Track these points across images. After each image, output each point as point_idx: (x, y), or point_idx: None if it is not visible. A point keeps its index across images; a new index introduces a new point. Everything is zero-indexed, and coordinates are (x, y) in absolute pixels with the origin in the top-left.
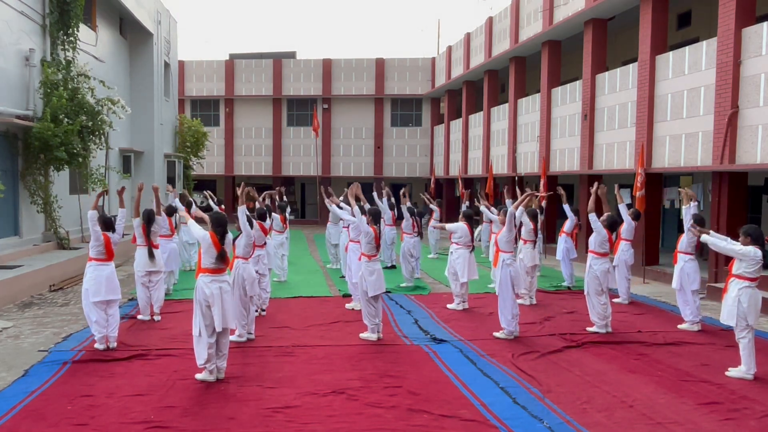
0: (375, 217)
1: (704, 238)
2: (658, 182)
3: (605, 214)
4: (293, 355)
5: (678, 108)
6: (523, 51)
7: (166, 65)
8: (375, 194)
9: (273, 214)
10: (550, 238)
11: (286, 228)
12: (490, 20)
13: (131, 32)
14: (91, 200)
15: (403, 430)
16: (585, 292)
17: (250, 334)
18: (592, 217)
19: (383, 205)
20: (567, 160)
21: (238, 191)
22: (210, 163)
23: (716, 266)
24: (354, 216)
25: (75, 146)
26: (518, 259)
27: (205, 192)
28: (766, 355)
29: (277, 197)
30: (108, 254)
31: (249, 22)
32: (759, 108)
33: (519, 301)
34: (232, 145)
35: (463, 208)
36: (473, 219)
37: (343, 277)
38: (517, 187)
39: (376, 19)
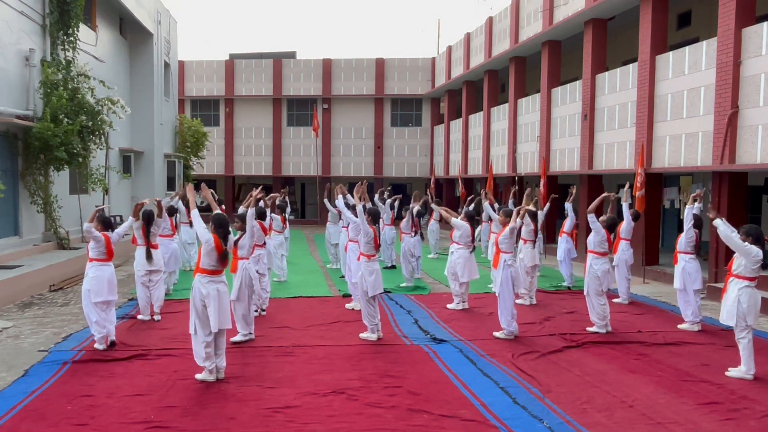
0: (374, 217)
1: (717, 222)
2: (658, 182)
3: (605, 215)
4: (293, 355)
5: (678, 108)
6: (523, 51)
7: (166, 65)
8: (377, 196)
9: (273, 214)
10: (550, 238)
11: (285, 228)
12: (490, 20)
13: (131, 32)
14: (91, 200)
15: (403, 430)
16: (585, 293)
17: (251, 333)
18: (591, 217)
19: (384, 206)
20: (567, 160)
21: (255, 192)
22: (210, 163)
23: (716, 266)
24: (356, 216)
25: (75, 146)
26: (518, 258)
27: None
28: (766, 355)
29: (278, 199)
30: (108, 254)
31: (249, 22)
32: (759, 108)
33: (519, 301)
34: (232, 145)
35: (466, 209)
36: (474, 219)
37: (343, 277)
38: (517, 187)
39: (376, 19)
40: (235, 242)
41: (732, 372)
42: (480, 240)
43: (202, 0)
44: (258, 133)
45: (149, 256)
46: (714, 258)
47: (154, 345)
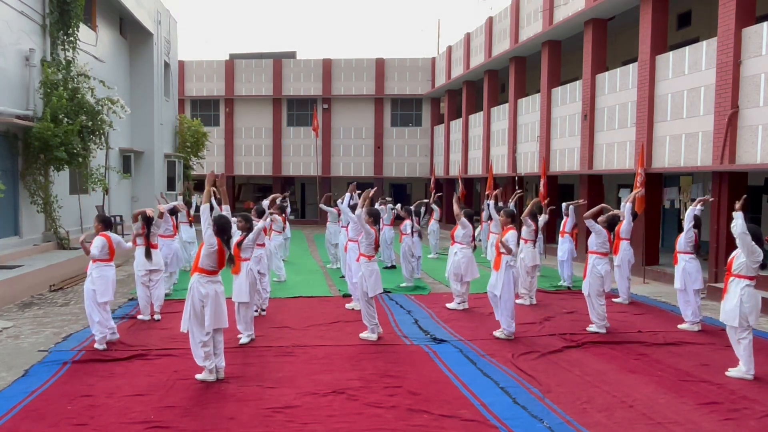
0: (375, 218)
1: (738, 215)
2: (658, 182)
3: (604, 215)
4: (293, 355)
5: (678, 108)
6: (523, 51)
7: (166, 65)
8: (377, 204)
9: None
10: (550, 238)
11: (286, 227)
12: (490, 20)
13: (131, 32)
14: (91, 200)
15: (403, 430)
16: (585, 293)
17: (252, 333)
18: (590, 222)
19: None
20: (567, 160)
21: (273, 200)
22: (210, 163)
23: (716, 266)
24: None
25: (75, 146)
26: (519, 258)
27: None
28: (766, 355)
29: (279, 199)
30: (111, 255)
31: (249, 22)
32: (759, 108)
33: (519, 301)
34: (232, 145)
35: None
36: (473, 219)
37: (343, 277)
38: (517, 187)
39: (376, 19)
40: (239, 244)
41: (732, 372)
42: (480, 240)
43: (202, 0)
44: (258, 133)
45: (149, 255)
46: (714, 258)
47: (154, 345)
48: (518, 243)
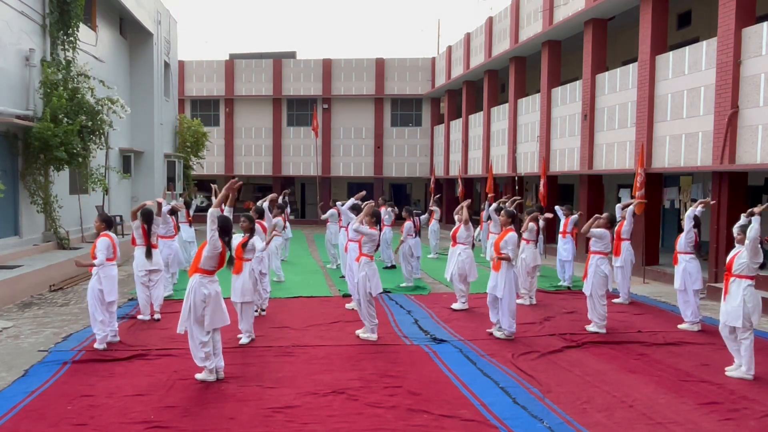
0: (376, 219)
1: (756, 219)
2: (658, 182)
3: (603, 216)
4: (293, 355)
5: (678, 108)
6: (523, 51)
7: (166, 65)
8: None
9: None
10: (550, 238)
11: (286, 227)
12: (490, 20)
13: (131, 32)
14: (91, 200)
15: (403, 430)
16: (588, 294)
17: (252, 333)
18: (591, 232)
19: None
20: (567, 160)
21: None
22: (210, 163)
23: (716, 266)
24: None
25: (75, 146)
26: (521, 259)
27: (213, 186)
28: (766, 355)
29: (280, 198)
30: (115, 254)
31: (249, 22)
32: (759, 108)
33: (519, 301)
34: (232, 145)
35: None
36: (472, 219)
37: (343, 277)
38: (516, 187)
39: (376, 19)
40: (243, 245)
41: (732, 372)
42: (479, 240)
43: (202, 0)
44: (258, 133)
45: (149, 255)
46: (714, 258)
47: (154, 345)
48: (518, 245)
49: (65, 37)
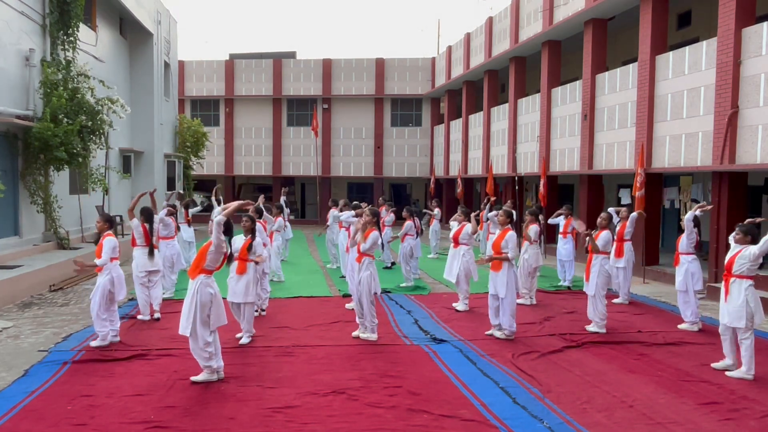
0: (377, 219)
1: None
2: (658, 182)
3: (602, 216)
4: (293, 355)
5: (678, 108)
6: (523, 51)
7: (166, 65)
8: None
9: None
10: (550, 238)
11: (286, 227)
12: (490, 20)
13: (131, 32)
14: (91, 200)
15: (403, 430)
16: (591, 294)
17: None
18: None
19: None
20: (567, 160)
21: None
22: (210, 163)
23: (716, 266)
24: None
25: (75, 146)
26: (523, 259)
27: (216, 188)
28: (766, 355)
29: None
30: (120, 253)
31: (249, 22)
32: (759, 108)
33: (519, 300)
34: (232, 145)
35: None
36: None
37: (344, 277)
38: (516, 187)
39: (376, 19)
40: (248, 247)
41: (732, 372)
42: (479, 240)
43: (202, 0)
44: (258, 133)
45: (152, 255)
46: (714, 258)
47: (154, 345)
48: (518, 245)
49: (65, 37)
